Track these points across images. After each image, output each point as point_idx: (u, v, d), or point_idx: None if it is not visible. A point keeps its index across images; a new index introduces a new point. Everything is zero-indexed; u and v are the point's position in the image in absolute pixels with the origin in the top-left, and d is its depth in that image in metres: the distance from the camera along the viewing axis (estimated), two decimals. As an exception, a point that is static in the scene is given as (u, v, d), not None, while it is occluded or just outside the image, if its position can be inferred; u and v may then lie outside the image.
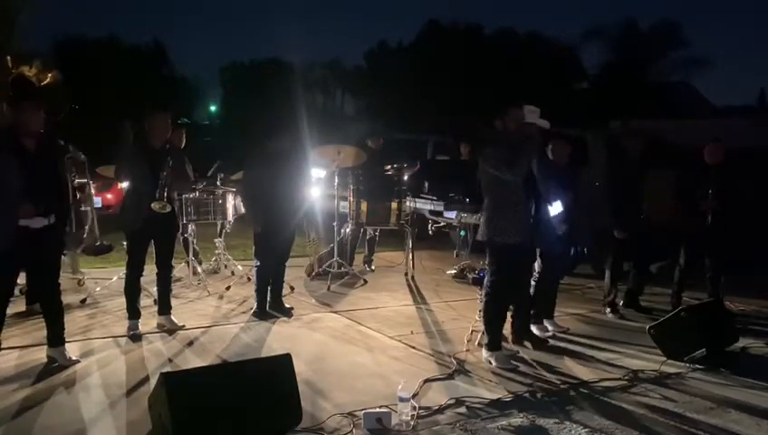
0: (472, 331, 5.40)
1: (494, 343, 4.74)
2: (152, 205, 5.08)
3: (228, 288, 6.90)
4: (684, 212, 6.33)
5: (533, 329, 5.46)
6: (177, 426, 3.13)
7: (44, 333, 4.57)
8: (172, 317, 5.47)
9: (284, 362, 3.60)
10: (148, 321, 5.44)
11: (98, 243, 6.69)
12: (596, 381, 4.39)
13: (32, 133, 4.22)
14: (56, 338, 4.54)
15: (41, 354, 4.56)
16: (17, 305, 5.55)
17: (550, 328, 5.61)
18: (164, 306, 5.47)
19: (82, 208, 6.67)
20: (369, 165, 7.74)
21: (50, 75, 5.98)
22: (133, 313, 5.28)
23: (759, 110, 31.39)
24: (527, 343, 5.18)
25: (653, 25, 36.27)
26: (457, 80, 31.83)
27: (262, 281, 5.98)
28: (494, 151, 4.61)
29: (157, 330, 5.36)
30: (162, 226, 5.24)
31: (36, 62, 6.07)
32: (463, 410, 3.86)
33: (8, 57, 6.23)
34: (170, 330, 5.35)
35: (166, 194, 5.16)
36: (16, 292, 5.32)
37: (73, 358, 4.52)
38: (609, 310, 6.33)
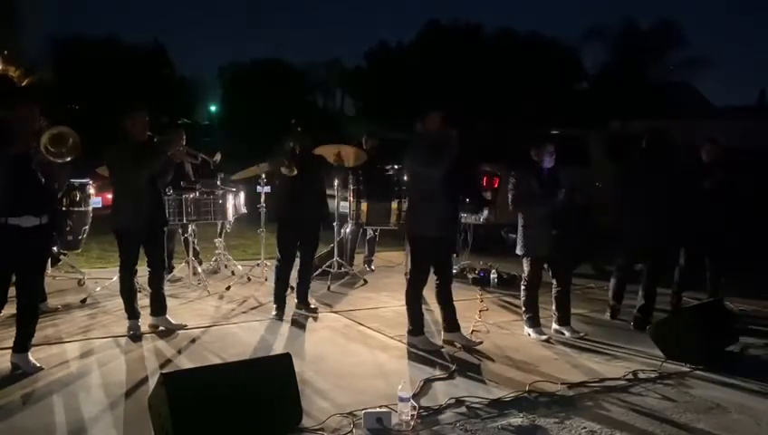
0: (472, 330, 5.42)
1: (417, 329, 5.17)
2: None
3: (228, 288, 6.89)
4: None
5: (531, 332, 5.44)
6: (177, 426, 3.13)
7: (44, 333, 4.55)
8: (168, 317, 5.41)
9: (284, 361, 3.60)
10: (148, 321, 5.43)
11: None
12: (596, 381, 4.39)
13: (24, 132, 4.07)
14: (22, 344, 4.35)
15: (40, 354, 4.54)
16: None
17: (552, 330, 5.58)
18: (158, 307, 5.39)
19: (82, 208, 6.68)
20: (368, 165, 7.73)
21: (31, 77, 5.92)
22: (132, 313, 5.26)
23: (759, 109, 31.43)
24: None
25: (653, 25, 36.29)
26: (457, 80, 31.83)
27: (281, 279, 5.94)
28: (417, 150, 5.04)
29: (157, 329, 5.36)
30: (150, 225, 5.20)
31: (20, 67, 6.01)
32: (463, 410, 3.86)
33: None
34: (170, 330, 5.33)
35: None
36: None
37: (37, 365, 4.35)
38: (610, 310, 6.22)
